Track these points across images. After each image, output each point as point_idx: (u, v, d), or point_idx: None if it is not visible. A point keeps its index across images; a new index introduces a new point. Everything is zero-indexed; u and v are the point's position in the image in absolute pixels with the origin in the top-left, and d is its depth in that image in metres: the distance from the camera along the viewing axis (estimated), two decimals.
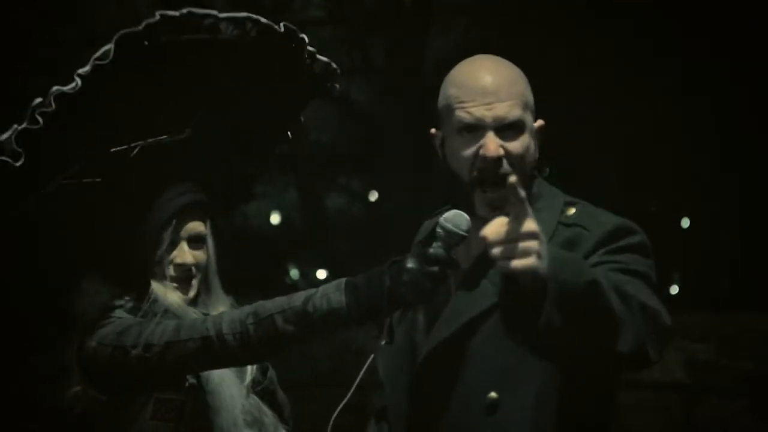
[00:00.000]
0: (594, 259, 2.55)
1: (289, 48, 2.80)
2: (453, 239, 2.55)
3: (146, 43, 2.61)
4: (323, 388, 7.12)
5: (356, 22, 11.96)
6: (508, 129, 2.62)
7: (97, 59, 2.59)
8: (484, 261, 2.60)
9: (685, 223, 9.48)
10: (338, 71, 2.91)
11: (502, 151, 2.61)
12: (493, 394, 2.59)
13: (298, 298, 2.60)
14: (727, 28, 8.69)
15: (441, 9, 11.29)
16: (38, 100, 2.60)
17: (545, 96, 2.88)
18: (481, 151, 2.61)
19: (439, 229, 2.55)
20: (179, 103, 2.81)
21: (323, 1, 12.41)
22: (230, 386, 2.88)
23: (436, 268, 2.51)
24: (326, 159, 12.43)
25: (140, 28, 2.60)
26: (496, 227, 2.25)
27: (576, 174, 2.66)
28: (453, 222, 2.55)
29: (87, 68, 2.58)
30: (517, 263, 2.23)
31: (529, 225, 2.23)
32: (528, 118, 2.65)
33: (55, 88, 2.56)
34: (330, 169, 12.87)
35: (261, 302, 2.65)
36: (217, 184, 3.09)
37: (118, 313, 2.80)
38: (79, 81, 2.57)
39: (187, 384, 2.81)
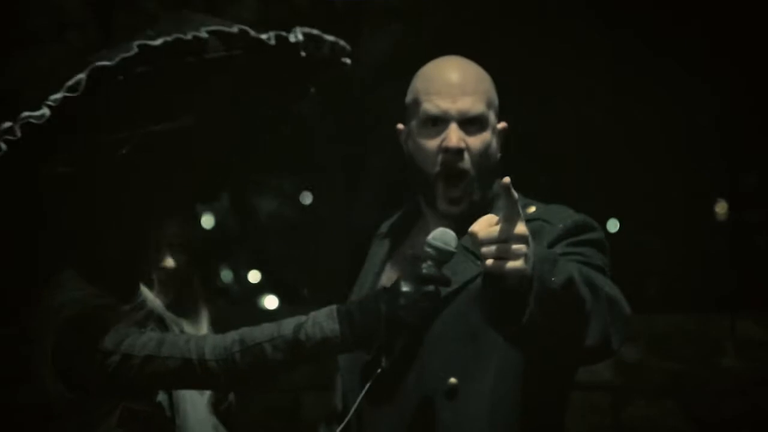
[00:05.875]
0: (556, 250, 2.64)
1: (281, 58, 2.80)
2: (444, 257, 2.64)
3: (120, 77, 2.56)
4: None
5: (288, 25, 11.91)
6: (470, 123, 2.73)
7: (69, 88, 2.54)
8: None
9: (614, 226, 9.56)
10: (347, 48, 2.91)
11: (463, 144, 2.73)
12: (452, 380, 2.67)
13: (287, 326, 2.61)
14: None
15: (373, 12, 11.30)
16: (6, 125, 2.55)
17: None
18: (444, 143, 2.72)
19: (428, 249, 2.62)
20: (181, 98, 2.78)
21: (255, 3, 12.37)
22: (197, 406, 2.89)
23: (432, 288, 2.58)
24: (258, 161, 12.37)
25: (114, 62, 2.55)
26: (485, 225, 2.31)
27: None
28: (442, 240, 2.63)
29: (58, 96, 2.53)
30: (509, 265, 2.30)
31: (521, 228, 2.29)
32: (491, 116, 2.76)
33: (23, 114, 2.50)
34: (261, 171, 12.82)
35: (246, 329, 2.66)
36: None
37: (103, 313, 2.77)
38: (47, 111, 2.52)
39: (157, 398, 2.80)
